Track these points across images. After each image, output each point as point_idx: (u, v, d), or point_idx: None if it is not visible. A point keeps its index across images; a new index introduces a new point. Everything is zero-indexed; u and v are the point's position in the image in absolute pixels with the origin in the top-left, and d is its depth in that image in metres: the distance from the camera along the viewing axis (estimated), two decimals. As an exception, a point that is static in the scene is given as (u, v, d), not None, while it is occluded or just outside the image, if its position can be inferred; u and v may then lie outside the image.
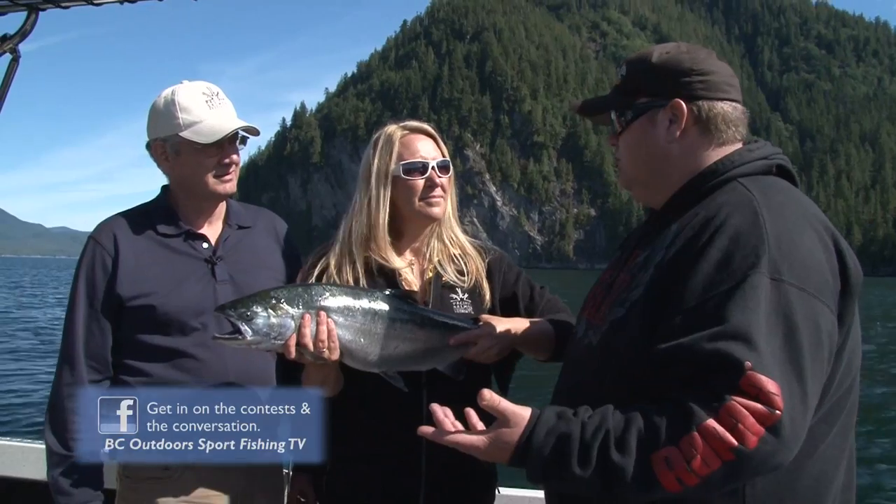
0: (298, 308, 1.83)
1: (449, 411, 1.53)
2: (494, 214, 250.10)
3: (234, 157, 2.27)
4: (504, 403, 1.43)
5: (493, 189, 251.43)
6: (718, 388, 1.22)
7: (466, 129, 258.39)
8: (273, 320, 1.81)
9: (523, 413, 1.41)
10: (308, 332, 1.82)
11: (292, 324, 1.82)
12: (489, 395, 1.43)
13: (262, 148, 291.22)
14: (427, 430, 1.52)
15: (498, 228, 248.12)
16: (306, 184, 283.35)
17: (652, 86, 1.59)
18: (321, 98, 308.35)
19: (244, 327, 1.80)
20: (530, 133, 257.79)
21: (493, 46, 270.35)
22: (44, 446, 2.19)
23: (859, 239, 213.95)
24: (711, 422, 1.21)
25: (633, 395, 1.38)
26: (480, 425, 1.46)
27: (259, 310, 1.80)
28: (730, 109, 1.57)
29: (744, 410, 1.20)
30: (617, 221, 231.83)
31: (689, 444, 1.22)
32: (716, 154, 1.55)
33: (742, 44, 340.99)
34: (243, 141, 2.31)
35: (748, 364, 1.21)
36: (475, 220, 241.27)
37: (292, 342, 1.82)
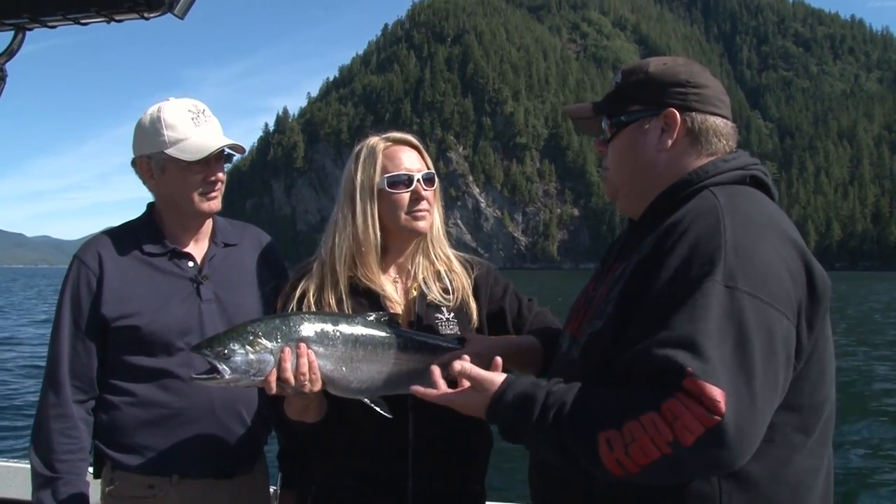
0: (277, 342, 1.78)
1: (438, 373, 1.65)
2: (478, 216, 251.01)
3: (220, 174, 2.27)
4: (477, 370, 1.56)
5: (476, 191, 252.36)
6: (664, 388, 1.26)
7: (449, 132, 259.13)
8: (251, 357, 1.76)
9: (497, 378, 1.53)
10: (288, 366, 1.77)
11: (271, 359, 1.77)
12: (460, 365, 1.57)
13: (246, 154, 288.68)
14: (418, 389, 1.64)
15: (482, 230, 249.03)
16: (290, 189, 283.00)
17: (646, 95, 1.59)
18: (303, 103, 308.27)
19: (221, 366, 1.75)
20: (513, 135, 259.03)
21: (474, 49, 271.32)
22: (30, 466, 2.18)
23: (839, 234, 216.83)
24: (653, 414, 1.25)
25: None
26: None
27: (236, 347, 1.75)
28: (721, 124, 1.58)
29: (684, 409, 1.23)
30: (600, 221, 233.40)
31: (631, 430, 1.27)
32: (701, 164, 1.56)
33: (721, 43, 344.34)
34: (228, 159, 2.30)
35: (689, 370, 1.23)
36: (459, 222, 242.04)
37: (272, 378, 1.77)
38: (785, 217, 1.49)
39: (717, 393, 1.22)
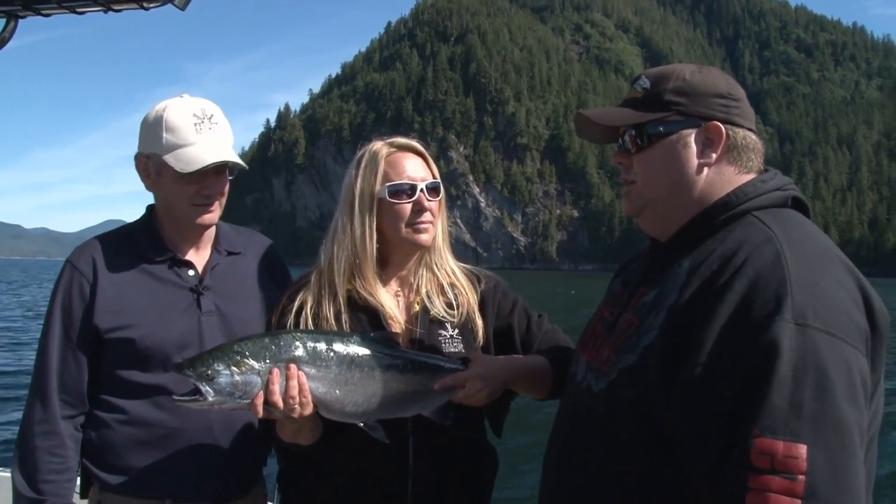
0: (265, 362, 1.67)
1: None
2: (478, 216, 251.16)
3: (219, 187, 2.12)
4: None
5: (476, 190, 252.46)
6: (734, 477, 1.16)
7: (450, 131, 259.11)
8: (237, 378, 1.65)
9: None
10: (276, 388, 1.66)
11: (258, 380, 1.66)
12: None
13: (247, 149, 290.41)
14: None
15: (481, 229, 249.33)
16: (290, 185, 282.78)
17: (686, 104, 1.46)
18: (305, 99, 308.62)
19: (205, 388, 1.65)
20: (514, 135, 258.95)
21: (476, 48, 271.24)
22: (10, 476, 2.06)
23: (836, 240, 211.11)
24: None
25: (643, 442, 1.34)
26: None
27: (221, 367, 1.65)
28: (754, 140, 1.49)
29: (765, 494, 1.12)
30: (599, 223, 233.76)
31: None
32: (738, 183, 1.45)
33: (723, 47, 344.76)
34: (232, 170, 2.15)
35: (755, 431, 1.14)
36: (459, 221, 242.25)
37: (259, 400, 1.66)
38: (833, 243, 1.38)
39: (790, 449, 1.12)
